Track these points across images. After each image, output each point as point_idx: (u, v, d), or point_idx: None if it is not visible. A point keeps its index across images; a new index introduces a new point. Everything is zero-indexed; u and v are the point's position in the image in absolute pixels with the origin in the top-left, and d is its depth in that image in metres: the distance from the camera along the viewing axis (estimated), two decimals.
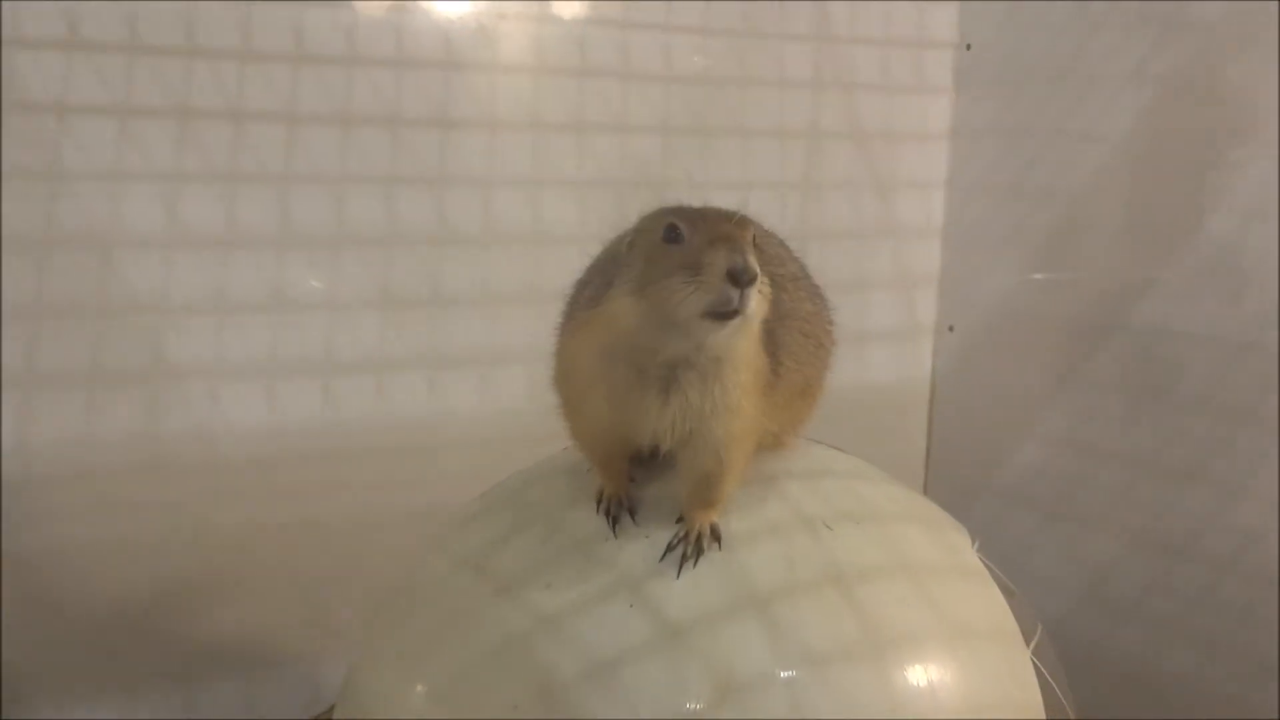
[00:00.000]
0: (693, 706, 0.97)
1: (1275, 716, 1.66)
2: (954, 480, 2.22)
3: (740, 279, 0.94)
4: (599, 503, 1.12)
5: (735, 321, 0.96)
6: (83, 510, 1.61)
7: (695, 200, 1.94)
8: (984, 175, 2.17)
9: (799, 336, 1.16)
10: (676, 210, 1.04)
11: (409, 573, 1.21)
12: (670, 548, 1.06)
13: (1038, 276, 2.07)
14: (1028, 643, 1.14)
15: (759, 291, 0.96)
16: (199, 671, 1.72)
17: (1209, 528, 1.77)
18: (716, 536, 1.07)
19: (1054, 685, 1.13)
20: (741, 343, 1.03)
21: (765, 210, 2.00)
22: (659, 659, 1.00)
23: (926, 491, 2.23)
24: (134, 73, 1.57)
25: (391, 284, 1.78)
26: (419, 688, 1.09)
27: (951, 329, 2.24)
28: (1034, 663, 1.12)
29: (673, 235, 1.00)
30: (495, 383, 1.84)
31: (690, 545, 1.06)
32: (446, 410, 1.83)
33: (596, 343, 1.06)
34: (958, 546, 1.19)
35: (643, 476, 1.14)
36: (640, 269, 1.01)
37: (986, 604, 1.14)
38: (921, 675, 1.03)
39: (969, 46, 2.19)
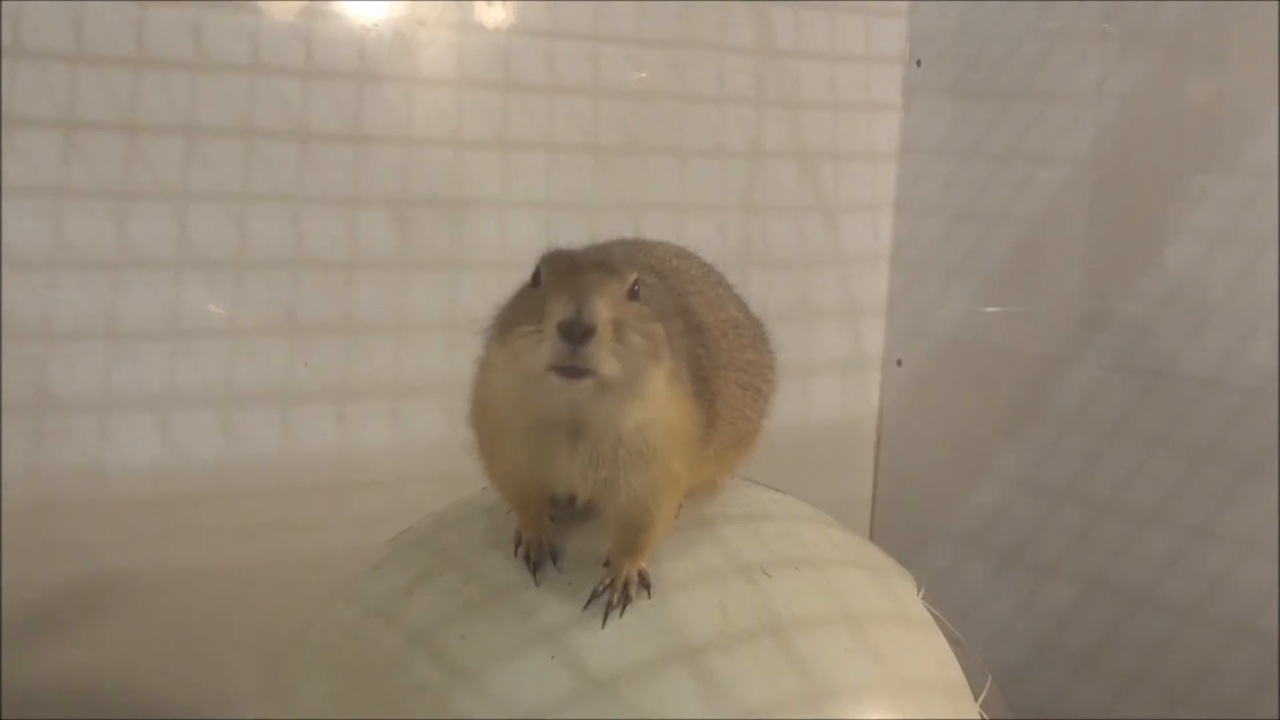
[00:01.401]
0: None
1: None
2: (902, 523, 2.23)
3: (570, 332, 0.91)
4: (517, 547, 1.12)
5: (586, 384, 0.94)
6: None
7: (627, 225, 1.96)
8: (935, 198, 2.19)
9: (736, 389, 1.15)
10: (555, 253, 1.01)
11: (312, 623, 1.20)
12: (595, 595, 1.06)
13: (992, 305, 2.09)
14: (976, 695, 1.14)
15: (614, 349, 0.93)
16: None
17: (1171, 573, 1.80)
18: (645, 583, 1.07)
19: None
20: (633, 408, 1.00)
21: (704, 234, 2.04)
22: (584, 715, 0.99)
23: (873, 535, 2.24)
24: (15, 78, 1.56)
25: (298, 309, 1.77)
26: None
27: (900, 362, 2.25)
28: (982, 716, 1.13)
29: (535, 279, 0.99)
30: (410, 416, 1.84)
31: (617, 593, 1.06)
32: (357, 445, 1.82)
33: (489, 387, 1.05)
34: (903, 594, 1.20)
35: (565, 518, 1.14)
36: (507, 314, 1.00)
37: (932, 655, 1.15)
38: None
39: (919, 62, 2.22)
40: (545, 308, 0.94)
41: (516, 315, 0.97)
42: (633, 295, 0.98)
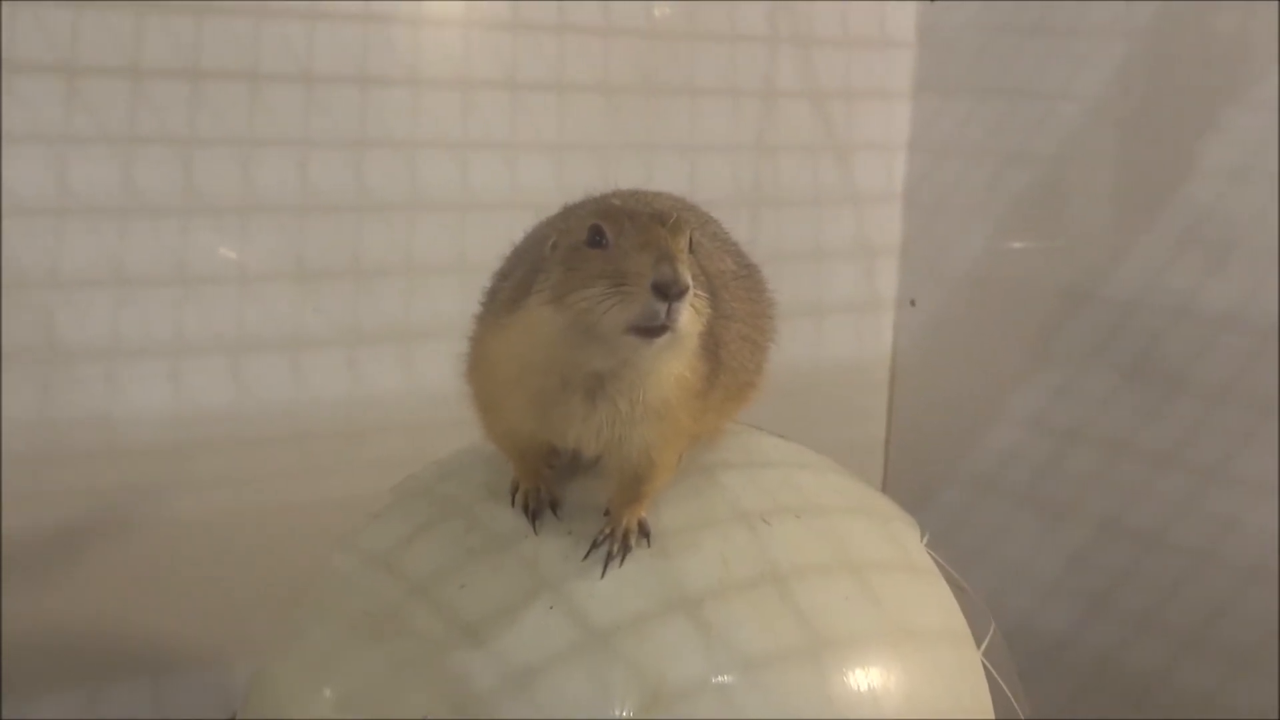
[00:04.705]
0: (619, 715, 0.98)
1: (1249, 716, 1.69)
2: (916, 466, 2.23)
3: (668, 291, 0.92)
4: (514, 495, 1.12)
5: (664, 339, 0.94)
6: None
7: (638, 166, 1.95)
8: (949, 136, 2.17)
9: (738, 340, 1.15)
10: (603, 210, 1.00)
11: (315, 571, 1.21)
12: (595, 545, 1.06)
13: (1009, 244, 2.08)
14: (979, 643, 1.15)
15: (691, 305, 0.94)
16: (101, 673, 1.72)
17: (1184, 515, 1.80)
18: (645, 533, 1.07)
19: (1005, 688, 1.14)
20: (674, 360, 1.01)
21: (716, 174, 2.03)
22: (582, 665, 1.00)
23: (886, 478, 2.25)
24: (15, 23, 1.55)
25: (306, 254, 1.77)
26: (326, 693, 1.09)
27: (914, 302, 2.24)
28: (984, 665, 1.13)
29: (597, 239, 0.97)
30: (420, 361, 1.83)
31: (617, 542, 1.06)
32: (367, 391, 1.82)
33: (514, 349, 1.04)
34: (906, 541, 1.19)
35: (564, 467, 1.14)
36: (559, 275, 0.98)
37: (935, 602, 1.15)
38: (863, 679, 1.03)
39: None
40: (626, 267, 0.94)
41: (584, 276, 0.96)
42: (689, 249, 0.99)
